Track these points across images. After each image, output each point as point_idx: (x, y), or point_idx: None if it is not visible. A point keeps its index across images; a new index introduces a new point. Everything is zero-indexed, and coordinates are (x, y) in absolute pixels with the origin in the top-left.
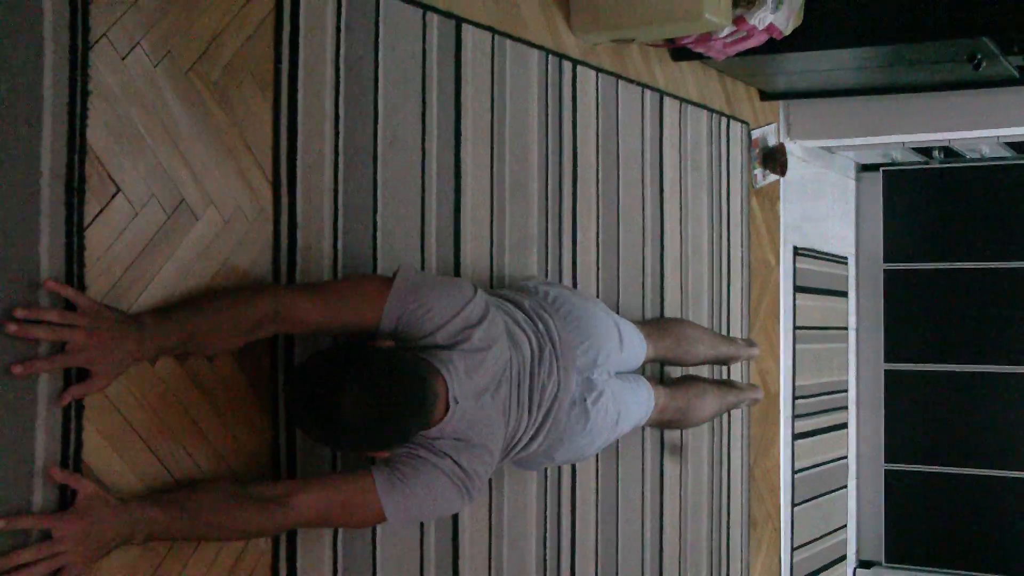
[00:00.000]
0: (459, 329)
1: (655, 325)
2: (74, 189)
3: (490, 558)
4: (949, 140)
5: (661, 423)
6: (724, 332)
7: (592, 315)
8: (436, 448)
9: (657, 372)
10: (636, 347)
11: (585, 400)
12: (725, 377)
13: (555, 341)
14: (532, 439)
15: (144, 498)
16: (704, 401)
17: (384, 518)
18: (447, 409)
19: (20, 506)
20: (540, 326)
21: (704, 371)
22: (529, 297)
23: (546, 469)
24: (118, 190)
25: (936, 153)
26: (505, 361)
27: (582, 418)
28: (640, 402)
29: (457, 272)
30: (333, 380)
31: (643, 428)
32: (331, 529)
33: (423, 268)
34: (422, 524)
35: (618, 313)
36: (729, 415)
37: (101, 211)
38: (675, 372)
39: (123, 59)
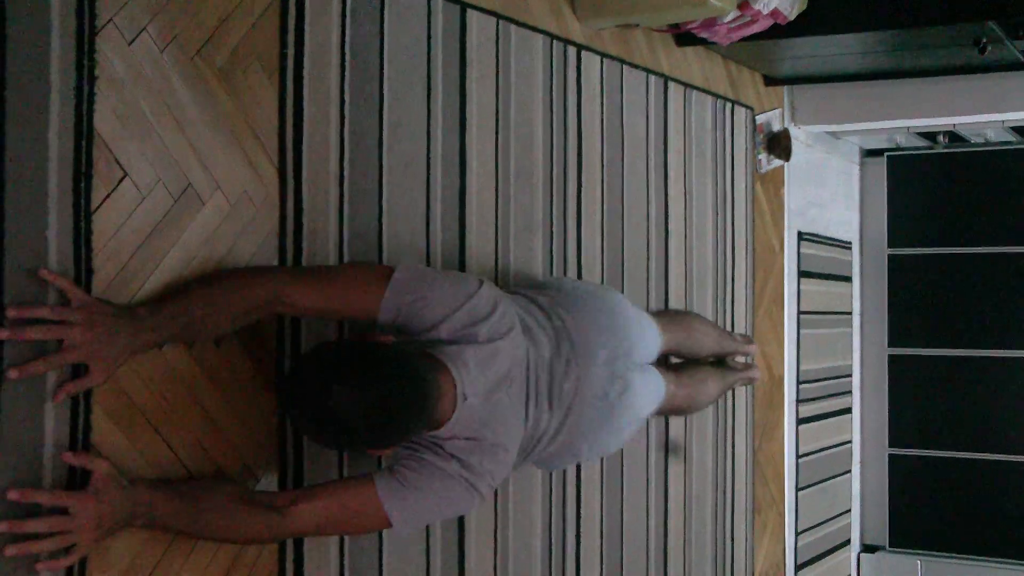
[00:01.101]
0: (464, 323)
1: (667, 316)
2: (81, 174)
3: (496, 541)
4: (954, 125)
5: (671, 411)
6: (729, 317)
7: (611, 308)
8: (443, 451)
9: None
10: (653, 339)
11: (608, 395)
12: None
13: (573, 337)
14: (555, 436)
15: (151, 482)
16: (707, 386)
17: (389, 524)
18: (453, 407)
19: (33, 482)
20: (557, 322)
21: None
22: (544, 293)
23: None
24: (125, 175)
25: (941, 138)
26: (520, 356)
27: (608, 412)
28: (655, 391)
29: (463, 257)
30: (328, 376)
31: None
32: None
33: (428, 253)
34: None
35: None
36: (733, 399)
37: (108, 196)
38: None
39: (129, 44)
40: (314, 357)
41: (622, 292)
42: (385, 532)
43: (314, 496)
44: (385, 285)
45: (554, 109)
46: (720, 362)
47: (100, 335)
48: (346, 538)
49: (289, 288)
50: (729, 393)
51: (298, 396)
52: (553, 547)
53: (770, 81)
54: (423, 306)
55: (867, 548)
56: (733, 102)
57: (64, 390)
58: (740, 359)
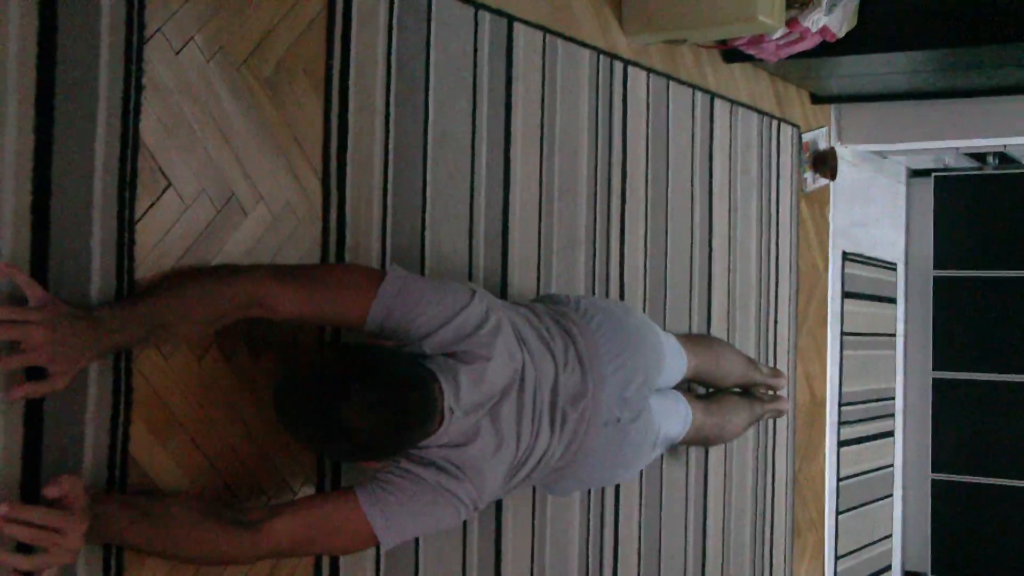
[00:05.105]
0: (451, 339)
1: (696, 341)
2: (126, 183)
3: (532, 561)
4: (1005, 146)
5: (698, 440)
6: (772, 336)
7: (629, 329)
8: (421, 458)
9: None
10: (677, 363)
11: (620, 420)
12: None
13: (583, 355)
14: (560, 458)
15: (103, 492)
16: (738, 416)
17: (374, 538)
18: (442, 420)
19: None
20: (567, 339)
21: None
22: (557, 308)
23: None
24: (169, 184)
25: (991, 159)
26: (512, 373)
27: (618, 438)
28: (678, 419)
29: (505, 272)
30: (338, 382)
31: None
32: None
33: (470, 267)
34: (465, 522)
35: (664, 318)
36: (775, 422)
37: (152, 205)
38: (698, 389)
39: (177, 54)
40: (318, 362)
41: (664, 310)
42: (421, 540)
43: (291, 511)
44: (374, 291)
45: (599, 124)
46: (748, 392)
47: (62, 337)
48: (382, 550)
49: (270, 290)
50: None
51: (301, 403)
52: (590, 563)
53: (817, 99)
54: (410, 320)
55: (908, 574)
56: (779, 120)
57: (22, 390)
58: (768, 390)
